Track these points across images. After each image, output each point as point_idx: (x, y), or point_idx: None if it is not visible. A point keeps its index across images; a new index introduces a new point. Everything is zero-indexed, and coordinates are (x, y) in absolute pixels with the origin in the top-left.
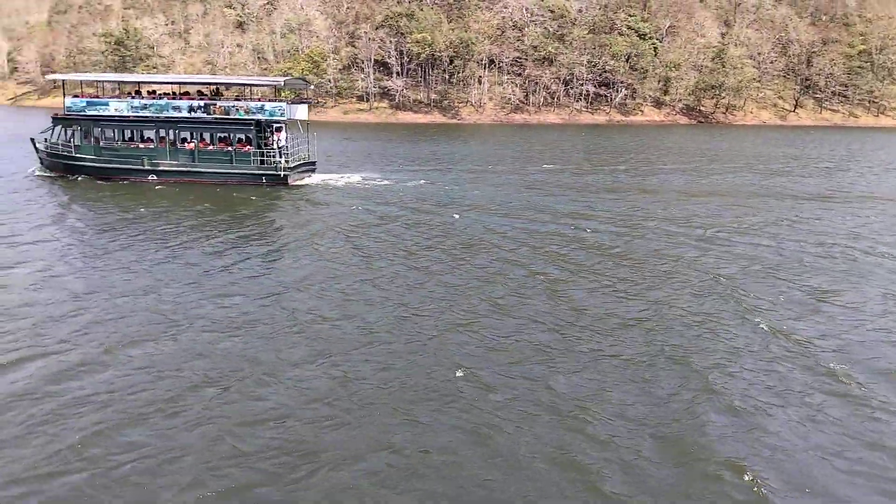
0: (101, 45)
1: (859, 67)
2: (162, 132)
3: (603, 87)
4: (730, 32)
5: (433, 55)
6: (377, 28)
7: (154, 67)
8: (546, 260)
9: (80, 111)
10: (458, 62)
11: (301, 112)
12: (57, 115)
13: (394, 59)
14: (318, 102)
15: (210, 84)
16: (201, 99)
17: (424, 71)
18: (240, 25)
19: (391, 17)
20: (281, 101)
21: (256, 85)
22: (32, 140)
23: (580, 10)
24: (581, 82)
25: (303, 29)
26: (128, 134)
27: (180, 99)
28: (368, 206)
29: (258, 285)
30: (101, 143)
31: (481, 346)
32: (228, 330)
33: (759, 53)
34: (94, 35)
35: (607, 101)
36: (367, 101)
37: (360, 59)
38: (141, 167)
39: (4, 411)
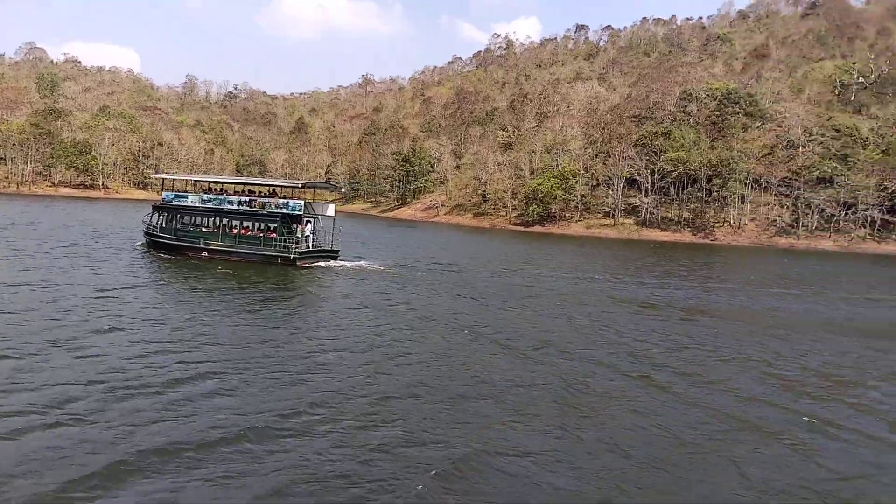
0: (392, 162)
1: None
2: (217, 220)
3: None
4: None
5: (687, 173)
6: (633, 146)
7: (431, 181)
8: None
9: (170, 202)
10: (717, 180)
11: (329, 210)
12: (156, 204)
13: (644, 176)
14: (563, 216)
15: (252, 185)
16: (247, 195)
17: (678, 188)
18: (509, 146)
19: (646, 136)
20: (301, 199)
21: (279, 185)
22: (143, 221)
23: (871, 130)
24: (865, 207)
25: (559, 148)
26: (195, 220)
27: (237, 195)
28: (354, 286)
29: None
30: (176, 226)
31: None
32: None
33: None
34: (391, 153)
35: None
36: (613, 217)
37: (610, 176)
38: (198, 245)
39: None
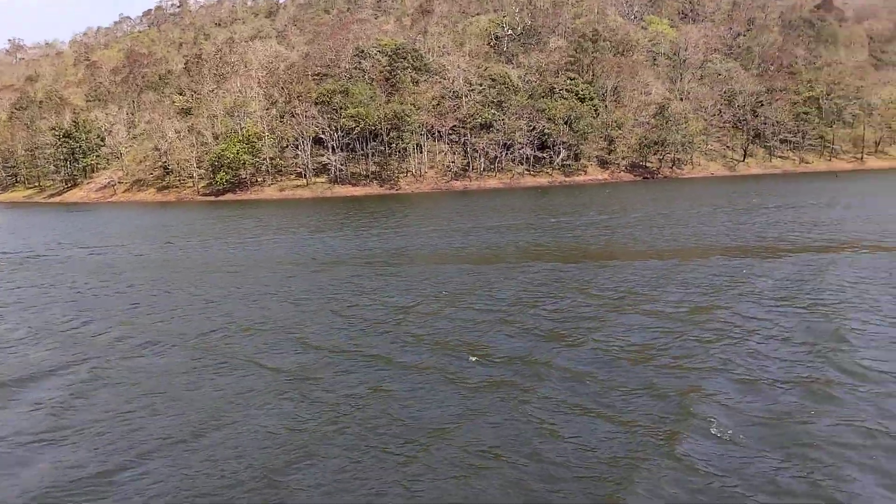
0: (52, 139)
1: (805, 113)
2: None
3: (544, 150)
4: (674, 88)
5: (368, 129)
6: (314, 104)
7: (103, 157)
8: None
9: None
10: (395, 133)
11: None
12: None
13: (329, 134)
14: (255, 181)
15: None
16: None
17: (362, 144)
18: (188, 111)
19: (325, 94)
20: None
21: None
22: None
23: (520, 77)
24: (521, 146)
25: (241, 110)
26: None
27: None
28: None
29: None
30: None
31: None
32: None
33: (703, 107)
34: (49, 129)
35: (549, 163)
36: (305, 177)
37: (297, 136)
38: None
39: None
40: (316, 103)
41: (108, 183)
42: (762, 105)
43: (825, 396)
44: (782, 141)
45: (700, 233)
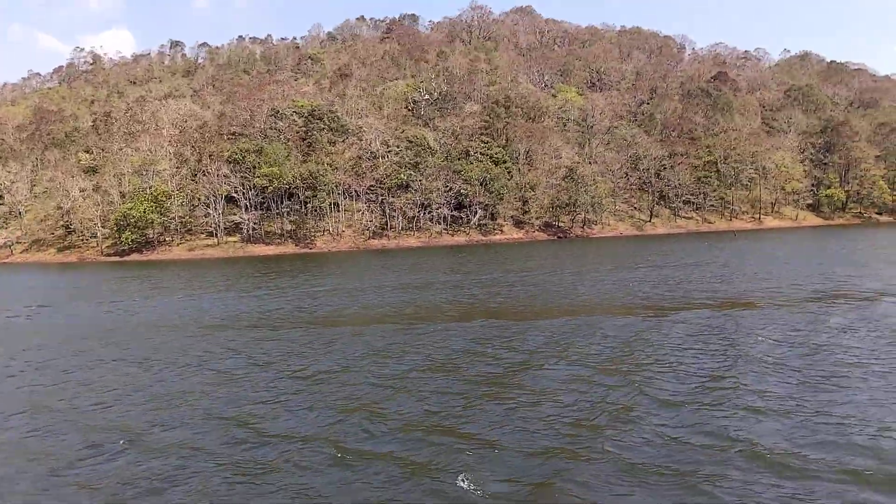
0: None
1: (706, 176)
2: None
3: (462, 210)
4: (583, 153)
5: (283, 188)
6: (227, 163)
7: (1, 217)
8: None
9: None
10: (310, 192)
11: None
12: None
13: (241, 193)
14: (162, 241)
15: None
16: None
17: (277, 203)
18: (94, 169)
19: (238, 153)
20: None
21: None
22: None
23: (436, 140)
24: (438, 206)
25: (149, 169)
26: None
27: None
28: None
29: None
30: None
31: None
32: None
33: (610, 170)
34: None
35: (467, 223)
36: (216, 236)
37: (208, 195)
38: None
39: None
40: (228, 162)
41: (5, 243)
42: (665, 168)
43: (626, 467)
44: (685, 202)
45: (577, 291)
